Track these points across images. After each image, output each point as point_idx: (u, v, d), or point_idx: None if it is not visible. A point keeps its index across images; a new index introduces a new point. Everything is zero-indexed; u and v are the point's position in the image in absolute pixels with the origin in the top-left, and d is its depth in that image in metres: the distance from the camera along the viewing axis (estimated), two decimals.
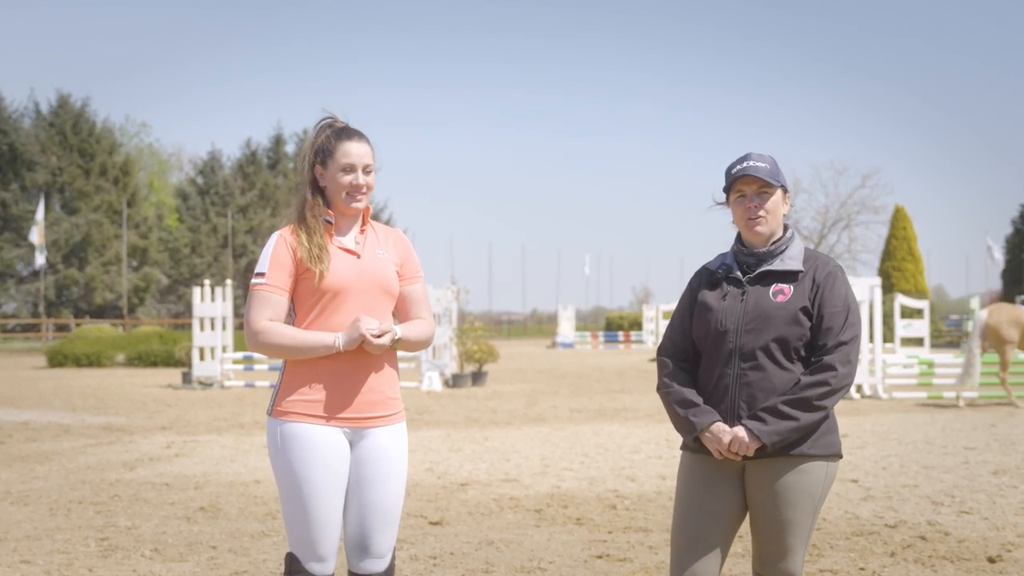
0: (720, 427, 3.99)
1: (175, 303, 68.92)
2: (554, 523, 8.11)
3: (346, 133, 4.25)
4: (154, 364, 33.29)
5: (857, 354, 4.05)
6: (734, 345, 4.04)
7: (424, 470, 10.78)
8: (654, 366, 4.27)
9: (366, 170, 4.22)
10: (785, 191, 4.19)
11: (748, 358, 4.02)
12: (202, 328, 24.62)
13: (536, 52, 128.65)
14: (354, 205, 4.22)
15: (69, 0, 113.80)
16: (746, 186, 4.12)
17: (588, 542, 7.44)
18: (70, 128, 64.96)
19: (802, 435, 3.96)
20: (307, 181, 4.29)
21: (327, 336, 4.11)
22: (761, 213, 4.10)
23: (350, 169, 4.19)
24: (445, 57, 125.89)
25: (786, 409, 3.91)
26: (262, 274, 4.19)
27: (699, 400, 4.08)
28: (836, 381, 3.93)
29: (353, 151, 4.20)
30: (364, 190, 4.22)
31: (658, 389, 4.27)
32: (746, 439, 3.92)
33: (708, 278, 4.25)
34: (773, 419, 3.91)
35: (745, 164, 4.12)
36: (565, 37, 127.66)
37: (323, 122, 4.33)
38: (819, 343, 4.00)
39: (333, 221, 4.26)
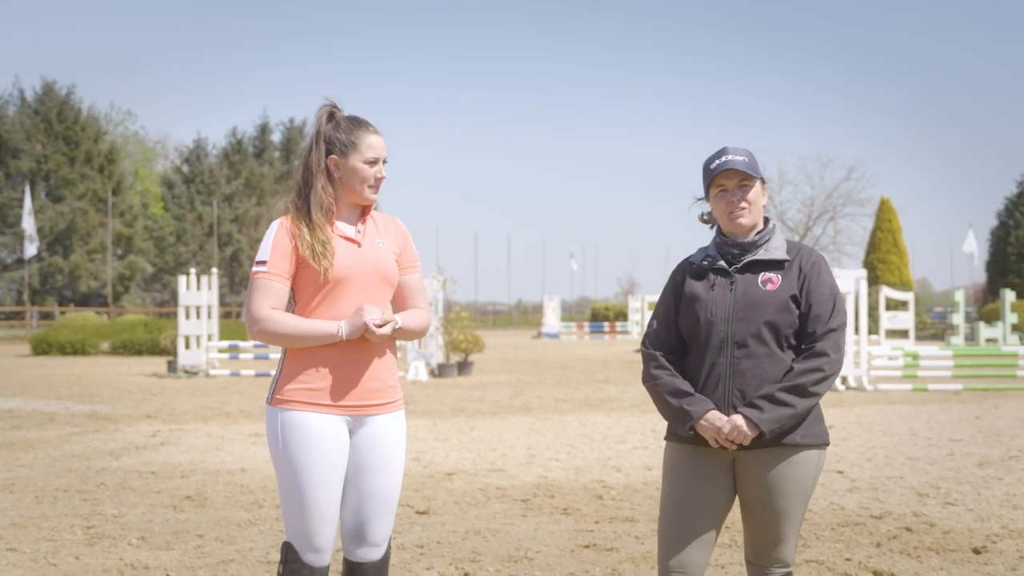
0: (716, 415, 3.99)
1: (160, 291, 68.79)
2: (541, 513, 8.12)
3: (366, 125, 4.26)
4: (139, 353, 33.23)
5: (844, 342, 4.08)
6: (726, 334, 4.05)
7: (411, 459, 10.77)
8: (639, 357, 4.29)
9: (385, 162, 4.28)
10: (763, 182, 4.22)
11: (741, 346, 4.03)
12: (187, 316, 24.58)
13: (522, 45, 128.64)
14: (373, 196, 4.26)
15: None
16: (727, 180, 4.14)
17: (575, 532, 7.45)
18: (55, 115, 64.68)
19: (797, 422, 3.99)
20: (320, 170, 4.24)
21: (330, 324, 4.10)
22: (743, 205, 4.12)
23: (375, 162, 4.22)
24: (431, 49, 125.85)
25: (783, 396, 3.93)
26: (263, 262, 4.17)
27: (691, 389, 4.09)
28: (829, 367, 3.97)
29: (376, 144, 4.23)
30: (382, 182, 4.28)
31: (644, 381, 4.25)
32: (744, 427, 3.93)
33: (693, 270, 4.26)
34: (770, 406, 3.93)
35: (725, 159, 4.13)
36: (550, 31, 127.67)
37: (331, 110, 4.31)
38: (809, 330, 4.03)
39: (335, 210, 4.26)
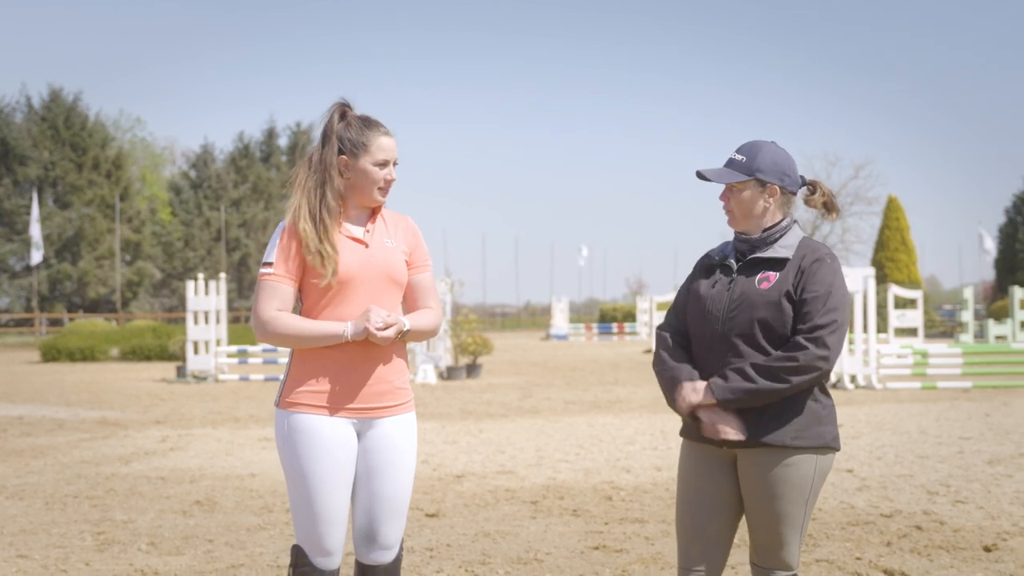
0: (691, 383, 4.01)
1: (168, 297, 68.80)
2: (550, 514, 8.12)
3: (378, 127, 4.23)
4: (148, 358, 33.22)
5: (837, 339, 3.91)
6: (719, 332, 4.03)
7: (420, 462, 10.77)
8: (648, 358, 4.27)
9: (395, 164, 4.26)
10: (765, 183, 4.08)
11: (732, 345, 3.99)
12: (196, 322, 24.59)
13: (529, 47, 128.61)
14: (382, 198, 4.24)
15: None
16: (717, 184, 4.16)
17: (584, 533, 7.44)
18: (62, 122, 64.65)
19: (758, 402, 3.90)
20: (331, 170, 4.20)
21: (336, 325, 4.09)
22: (728, 209, 4.13)
23: (385, 164, 4.20)
24: (438, 51, 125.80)
25: (750, 372, 3.87)
26: (269, 264, 4.17)
27: (687, 363, 4.09)
28: (804, 359, 3.84)
29: (387, 146, 4.20)
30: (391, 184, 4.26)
31: (654, 365, 4.25)
32: (696, 390, 3.96)
33: (704, 265, 4.25)
34: (735, 377, 3.89)
35: (706, 167, 4.15)
36: (558, 32, 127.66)
37: (343, 109, 4.27)
38: (796, 325, 3.93)
39: (342, 211, 4.25)
